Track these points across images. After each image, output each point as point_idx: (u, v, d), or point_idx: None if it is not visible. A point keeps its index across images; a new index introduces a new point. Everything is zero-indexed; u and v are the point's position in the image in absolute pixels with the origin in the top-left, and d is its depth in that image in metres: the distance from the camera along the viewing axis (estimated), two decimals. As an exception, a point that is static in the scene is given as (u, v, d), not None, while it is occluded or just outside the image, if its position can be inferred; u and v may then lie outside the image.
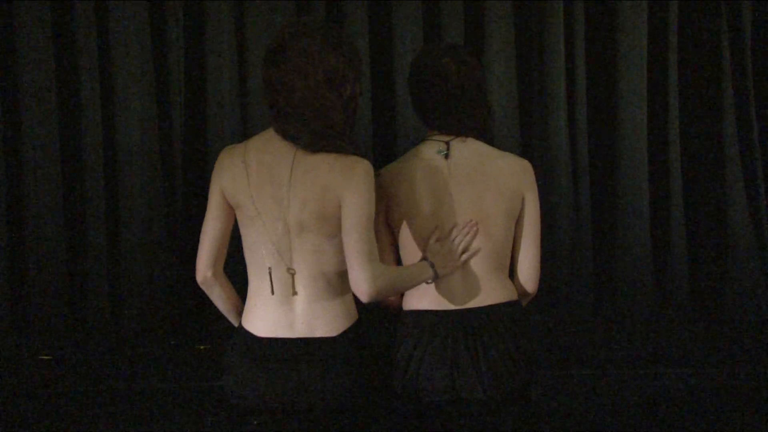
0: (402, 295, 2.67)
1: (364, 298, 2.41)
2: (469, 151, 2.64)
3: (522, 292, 2.69)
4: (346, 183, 2.38)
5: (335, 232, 2.43)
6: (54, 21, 4.55)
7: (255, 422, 2.40)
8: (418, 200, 2.61)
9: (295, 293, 2.45)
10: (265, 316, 2.46)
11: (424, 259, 2.58)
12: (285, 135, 2.42)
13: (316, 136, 2.39)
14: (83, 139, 4.58)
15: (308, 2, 4.70)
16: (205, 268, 2.54)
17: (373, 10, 4.74)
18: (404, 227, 2.62)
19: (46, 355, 4.09)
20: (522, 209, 2.65)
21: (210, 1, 4.65)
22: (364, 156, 2.44)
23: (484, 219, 2.60)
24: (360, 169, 2.40)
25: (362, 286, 2.38)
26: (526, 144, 4.82)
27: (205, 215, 2.54)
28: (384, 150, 4.65)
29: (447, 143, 2.64)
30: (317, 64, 2.39)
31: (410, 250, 2.63)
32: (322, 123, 2.40)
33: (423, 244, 2.60)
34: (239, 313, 2.57)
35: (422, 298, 2.61)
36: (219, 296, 2.60)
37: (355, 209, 2.38)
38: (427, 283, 2.57)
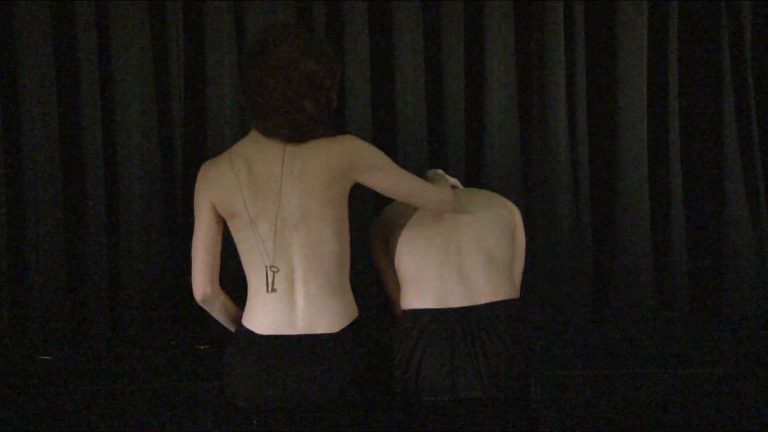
0: (402, 293, 2.68)
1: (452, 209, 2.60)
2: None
3: None
4: (355, 159, 2.46)
5: (340, 216, 2.46)
6: (54, 21, 4.55)
7: (255, 421, 2.39)
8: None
9: (294, 291, 2.45)
10: (266, 314, 2.46)
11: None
12: (268, 132, 2.45)
13: (298, 126, 2.43)
14: (83, 140, 4.58)
15: (308, 2, 4.70)
16: (204, 284, 2.54)
17: (373, 10, 4.74)
18: (408, 252, 2.65)
19: (46, 355, 4.09)
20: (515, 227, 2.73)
21: (210, 1, 4.65)
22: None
23: (477, 220, 2.63)
24: (356, 141, 2.50)
25: (446, 207, 2.57)
26: (526, 144, 4.82)
27: (195, 232, 2.54)
28: (384, 150, 4.64)
29: None
30: (297, 69, 2.43)
31: (408, 269, 2.65)
32: (302, 116, 2.43)
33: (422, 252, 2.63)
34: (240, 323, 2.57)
35: (421, 297, 2.61)
36: (220, 310, 2.61)
37: (383, 172, 2.50)
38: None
